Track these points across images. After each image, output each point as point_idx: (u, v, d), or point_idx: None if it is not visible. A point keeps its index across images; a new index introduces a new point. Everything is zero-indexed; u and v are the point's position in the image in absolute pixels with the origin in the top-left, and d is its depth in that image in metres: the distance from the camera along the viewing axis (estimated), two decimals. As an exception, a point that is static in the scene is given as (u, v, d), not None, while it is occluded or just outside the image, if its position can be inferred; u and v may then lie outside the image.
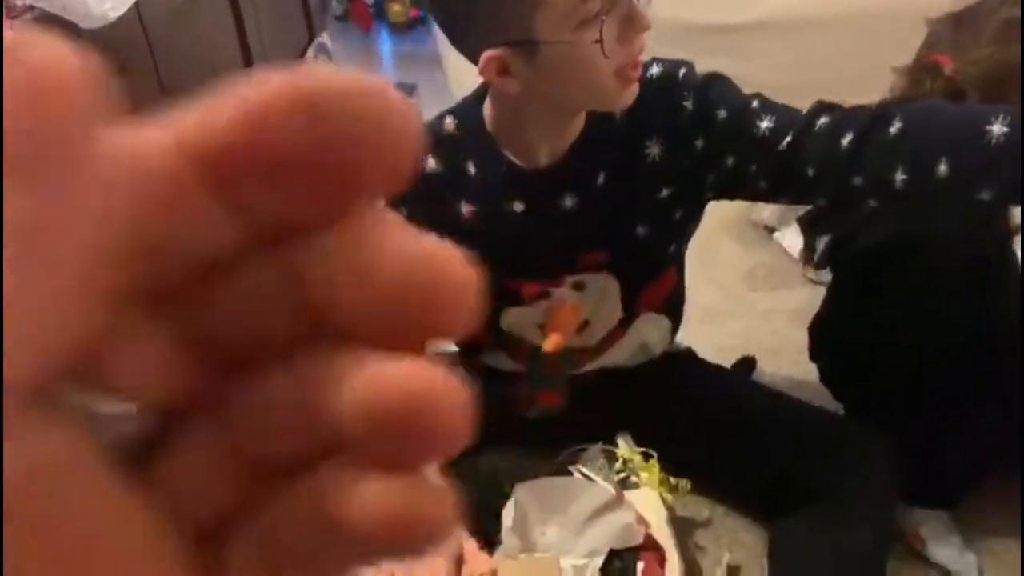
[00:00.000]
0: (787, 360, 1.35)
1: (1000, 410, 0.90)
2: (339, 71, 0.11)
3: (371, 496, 0.11)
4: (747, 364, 1.32)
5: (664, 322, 1.01)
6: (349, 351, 0.11)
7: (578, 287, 0.90)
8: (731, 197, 0.88)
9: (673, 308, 1.02)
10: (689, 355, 1.12)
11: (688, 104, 0.80)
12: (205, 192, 0.11)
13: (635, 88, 0.73)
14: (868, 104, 0.76)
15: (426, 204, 0.83)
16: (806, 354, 1.18)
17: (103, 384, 0.11)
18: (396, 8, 2.76)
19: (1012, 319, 0.89)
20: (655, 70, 0.79)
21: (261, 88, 0.11)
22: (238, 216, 0.11)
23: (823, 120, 0.76)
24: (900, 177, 0.70)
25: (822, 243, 1.05)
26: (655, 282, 0.95)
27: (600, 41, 0.67)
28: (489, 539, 0.89)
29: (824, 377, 1.14)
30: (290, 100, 0.11)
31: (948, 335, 0.93)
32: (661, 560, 0.90)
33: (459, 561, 0.77)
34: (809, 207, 1.11)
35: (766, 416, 1.00)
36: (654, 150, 0.82)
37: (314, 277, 0.11)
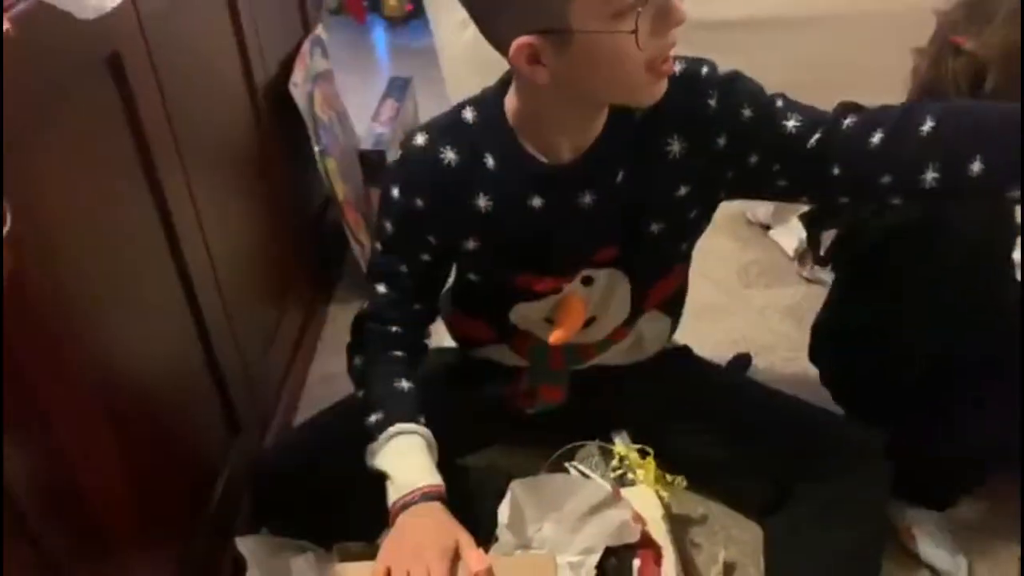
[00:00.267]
0: (781, 357, 1.36)
1: (1000, 412, 0.90)
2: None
3: None
4: (742, 360, 1.33)
5: (665, 321, 1.01)
6: None
7: (586, 282, 0.90)
8: (746, 196, 0.88)
9: (675, 307, 1.02)
10: (685, 352, 1.12)
11: (712, 102, 0.79)
12: None
13: (664, 83, 0.73)
14: (893, 104, 0.77)
15: (444, 195, 0.83)
16: (800, 351, 1.19)
17: None
18: (391, 2, 2.75)
19: (1015, 319, 0.89)
20: (677, 67, 0.78)
21: None
22: None
23: (850, 119, 0.76)
24: (931, 175, 0.70)
25: (826, 239, 1.05)
26: (664, 280, 0.95)
27: (635, 32, 0.66)
28: (485, 535, 0.89)
29: (825, 377, 1.14)
30: None
31: (953, 332, 0.93)
32: (657, 557, 0.90)
33: (455, 557, 0.77)
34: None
35: (762, 414, 1.00)
36: (675, 147, 0.81)
37: None
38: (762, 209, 1.73)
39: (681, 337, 1.09)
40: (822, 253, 1.06)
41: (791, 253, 1.62)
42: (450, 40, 1.93)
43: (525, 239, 0.85)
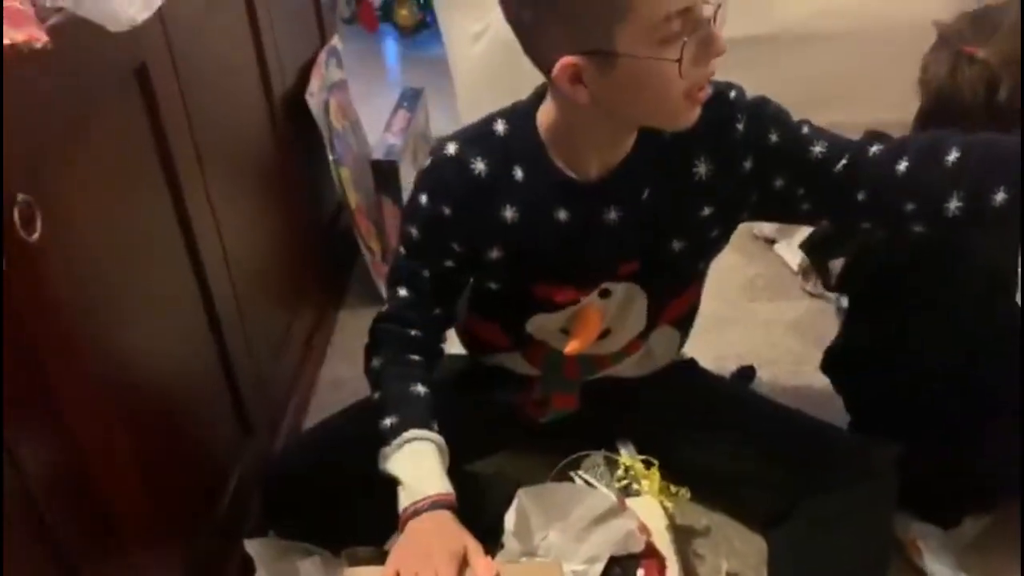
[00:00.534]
0: (785, 370, 1.37)
1: (1013, 436, 0.91)
2: None
3: None
4: (746, 373, 1.34)
5: (676, 336, 1.03)
6: None
7: (604, 294, 0.91)
8: (768, 218, 0.90)
9: (687, 323, 1.03)
10: (691, 364, 1.13)
11: (739, 126, 0.81)
12: None
13: (698, 110, 0.74)
14: (917, 133, 0.78)
15: (471, 204, 0.85)
16: (804, 364, 1.19)
17: None
18: (403, 12, 2.77)
19: None
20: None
21: None
22: None
23: (876, 147, 0.78)
24: (955, 205, 0.73)
25: (834, 266, 1.06)
26: (680, 297, 0.97)
27: (680, 60, 0.68)
28: (492, 542, 0.90)
29: (845, 400, 1.13)
30: None
31: (970, 353, 0.93)
32: (661, 568, 0.91)
33: (463, 563, 0.78)
34: (809, 232, 1.12)
35: (766, 426, 1.01)
36: (701, 169, 0.83)
37: None
38: (767, 223, 1.74)
39: (687, 349, 1.10)
40: (832, 281, 1.07)
41: (795, 267, 1.64)
42: (462, 53, 1.95)
43: (549, 251, 0.86)
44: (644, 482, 1.02)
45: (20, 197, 0.57)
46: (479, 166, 0.84)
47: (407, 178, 1.55)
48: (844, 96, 1.81)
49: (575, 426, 1.06)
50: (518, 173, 0.84)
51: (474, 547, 0.78)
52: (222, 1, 1.06)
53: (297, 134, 1.34)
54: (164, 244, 0.86)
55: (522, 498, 0.92)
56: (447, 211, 0.85)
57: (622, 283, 0.91)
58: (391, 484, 0.83)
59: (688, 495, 1.01)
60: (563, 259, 0.87)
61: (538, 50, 0.73)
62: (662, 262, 0.89)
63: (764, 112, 0.82)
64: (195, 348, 0.94)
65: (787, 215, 0.88)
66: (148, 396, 0.81)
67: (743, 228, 1.90)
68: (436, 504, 0.80)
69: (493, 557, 0.81)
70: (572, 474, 1.07)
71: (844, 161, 0.79)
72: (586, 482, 1.05)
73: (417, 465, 0.83)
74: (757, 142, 0.82)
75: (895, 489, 0.92)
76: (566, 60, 0.70)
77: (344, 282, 1.64)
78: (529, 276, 0.89)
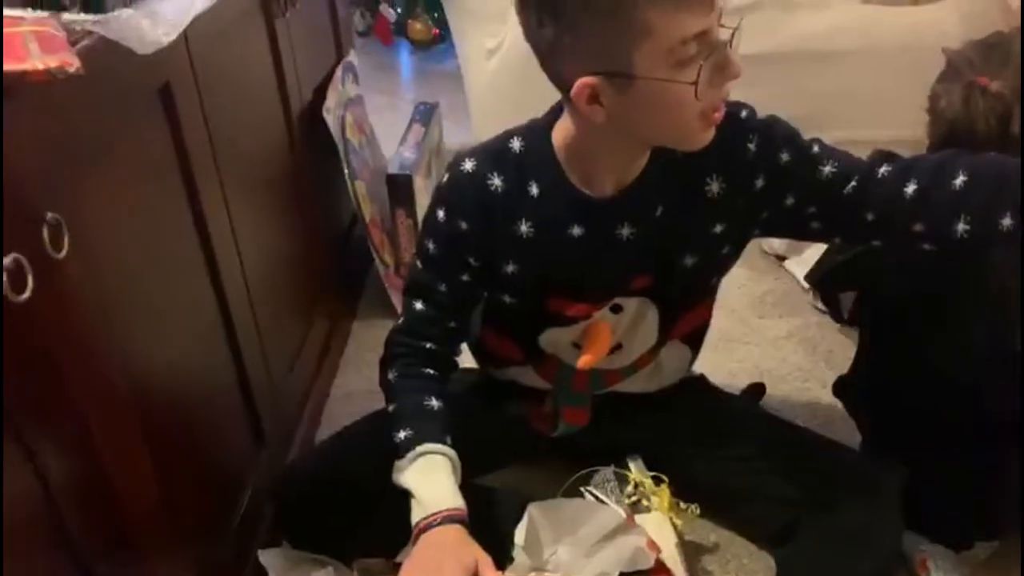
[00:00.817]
0: (795, 386, 1.37)
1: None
2: None
3: None
4: (756, 389, 1.34)
5: (686, 352, 1.04)
6: None
7: (615, 309, 0.93)
8: (777, 235, 0.91)
9: (697, 340, 1.04)
10: (701, 380, 1.14)
11: (751, 145, 0.83)
12: None
13: (712, 131, 0.76)
14: (929, 155, 0.79)
15: (488, 219, 0.86)
16: (813, 381, 1.19)
17: None
18: (418, 27, 2.80)
19: None
20: None
21: None
22: None
23: (885, 168, 0.80)
24: (962, 227, 0.74)
25: (846, 299, 1.06)
26: (692, 312, 0.98)
27: (696, 83, 0.69)
28: (503, 555, 0.90)
29: (862, 429, 1.13)
30: None
31: (986, 377, 0.93)
32: (670, 583, 0.92)
33: (472, 576, 0.79)
34: (813, 264, 1.13)
35: (776, 444, 1.02)
36: (714, 187, 0.84)
37: None
38: (777, 240, 1.74)
39: (696, 365, 1.10)
40: (844, 314, 1.07)
41: (805, 284, 1.64)
42: (476, 68, 1.97)
43: (563, 266, 0.88)
44: (654, 499, 1.03)
45: (49, 215, 0.58)
46: (496, 182, 0.85)
47: (421, 192, 1.57)
48: (855, 113, 1.82)
49: (585, 441, 1.06)
50: (534, 189, 0.85)
51: (485, 561, 0.79)
52: (244, 20, 1.08)
53: (313, 149, 1.36)
54: (184, 258, 0.88)
55: (532, 513, 0.93)
56: (464, 226, 0.87)
57: (634, 298, 0.92)
58: (404, 496, 0.84)
59: (697, 512, 1.02)
60: (577, 274, 0.88)
61: (557, 69, 0.74)
62: (674, 277, 0.90)
63: (775, 132, 0.84)
64: (212, 359, 0.96)
65: (797, 232, 0.90)
66: (166, 406, 0.82)
67: (753, 245, 1.91)
68: (448, 519, 0.81)
69: (503, 571, 0.82)
70: (582, 489, 1.07)
71: (853, 182, 0.81)
72: (596, 498, 1.05)
73: (430, 479, 0.84)
74: (768, 162, 0.83)
75: (901, 508, 0.92)
76: (584, 80, 0.71)
77: (358, 294, 1.66)
78: (543, 290, 0.91)
